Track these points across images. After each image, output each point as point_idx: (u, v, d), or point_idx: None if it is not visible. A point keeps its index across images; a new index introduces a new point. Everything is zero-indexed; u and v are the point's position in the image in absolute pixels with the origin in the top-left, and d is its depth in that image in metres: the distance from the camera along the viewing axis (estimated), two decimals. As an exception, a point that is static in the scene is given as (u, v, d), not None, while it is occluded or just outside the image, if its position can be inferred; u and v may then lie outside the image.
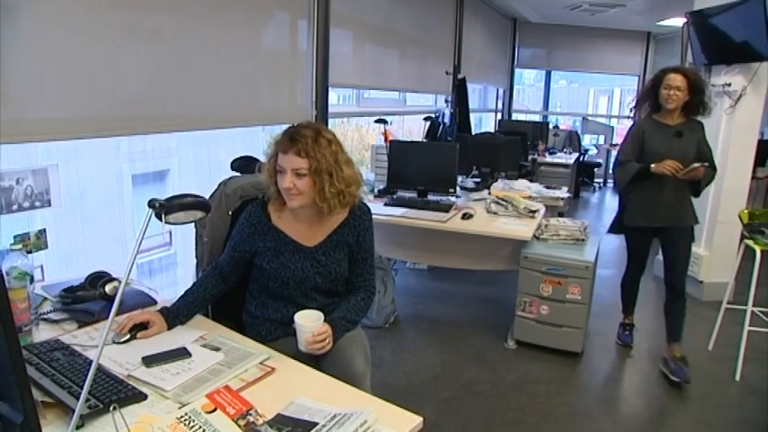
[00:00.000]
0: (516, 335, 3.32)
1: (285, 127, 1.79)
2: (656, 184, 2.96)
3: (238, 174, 2.29)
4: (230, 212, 2.03)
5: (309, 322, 1.61)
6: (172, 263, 4.67)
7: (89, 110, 2.06)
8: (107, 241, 4.12)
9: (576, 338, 3.19)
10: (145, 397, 1.27)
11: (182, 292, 1.81)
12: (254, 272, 1.88)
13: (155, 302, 1.84)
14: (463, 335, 3.52)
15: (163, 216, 1.17)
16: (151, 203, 1.17)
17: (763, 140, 5.94)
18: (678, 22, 5.59)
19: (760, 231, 3.42)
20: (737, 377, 3.08)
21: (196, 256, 2.12)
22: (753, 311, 3.11)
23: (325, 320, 1.66)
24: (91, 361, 1.16)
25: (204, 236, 2.06)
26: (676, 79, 2.87)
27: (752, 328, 3.10)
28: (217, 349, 1.53)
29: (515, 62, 9.10)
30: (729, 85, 3.89)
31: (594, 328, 3.48)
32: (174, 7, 2.36)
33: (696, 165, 2.85)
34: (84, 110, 2.05)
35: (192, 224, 2.09)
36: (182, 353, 1.48)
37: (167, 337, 1.61)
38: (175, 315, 1.69)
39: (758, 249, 3.03)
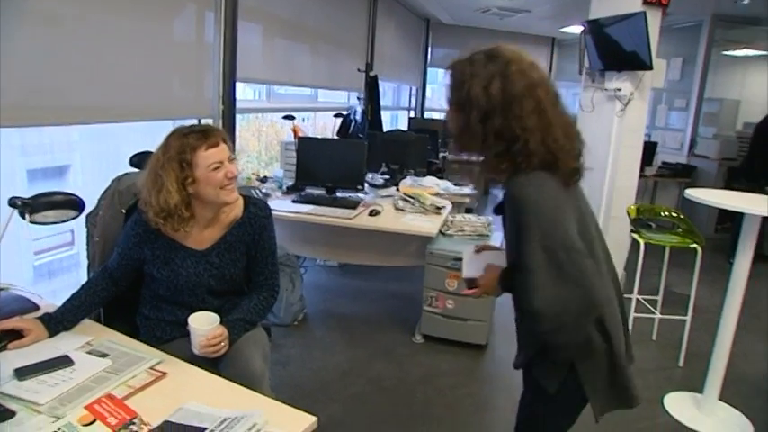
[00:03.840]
0: (423, 329, 3.39)
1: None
2: None
3: (136, 170, 2.18)
4: (124, 210, 1.93)
5: (204, 325, 1.57)
6: (75, 263, 4.39)
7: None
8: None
9: (481, 331, 3.29)
10: (12, 414, 1.17)
11: (68, 296, 1.70)
12: (145, 277, 1.81)
13: (37, 308, 1.70)
14: (372, 331, 3.55)
15: (27, 215, 1.08)
16: (12, 202, 1.08)
17: (649, 142, 6.46)
18: (578, 29, 5.91)
19: (647, 225, 3.71)
20: (625, 361, 3.32)
21: (87, 257, 2.00)
22: (638, 299, 3.37)
23: (222, 321, 1.62)
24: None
25: (95, 235, 1.95)
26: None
27: (637, 315, 3.35)
28: (104, 355, 1.45)
29: (428, 61, 9.26)
30: (620, 90, 4.15)
31: (498, 321, 3.60)
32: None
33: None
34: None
35: (84, 223, 1.98)
36: (63, 361, 1.39)
37: (48, 344, 1.50)
38: (59, 321, 1.57)
39: (642, 242, 3.27)
